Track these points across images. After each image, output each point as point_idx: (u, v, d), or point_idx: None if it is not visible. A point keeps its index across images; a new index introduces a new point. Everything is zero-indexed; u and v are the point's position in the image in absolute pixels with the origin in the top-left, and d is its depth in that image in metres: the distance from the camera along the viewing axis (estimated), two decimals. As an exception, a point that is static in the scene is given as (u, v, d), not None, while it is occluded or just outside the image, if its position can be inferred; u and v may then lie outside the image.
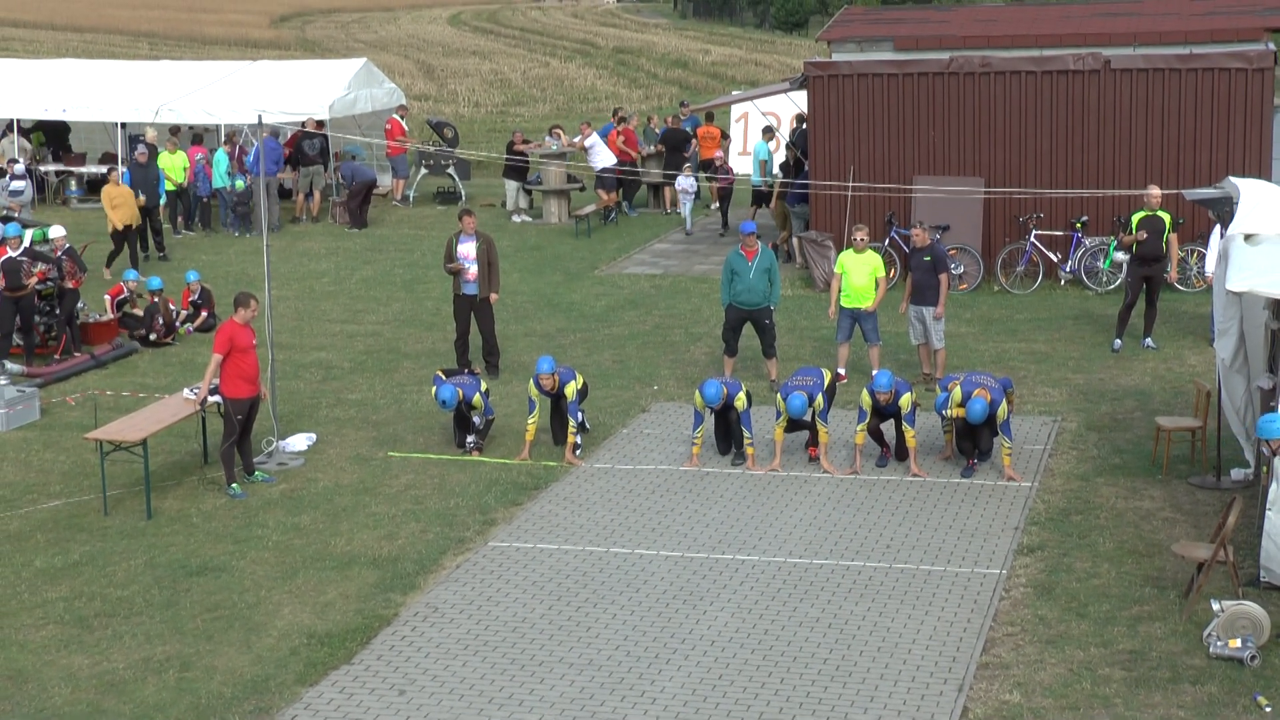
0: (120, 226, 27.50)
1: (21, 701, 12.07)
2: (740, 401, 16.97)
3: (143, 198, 28.55)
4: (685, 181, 31.27)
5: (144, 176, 29.72)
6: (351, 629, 13.19)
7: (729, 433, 17.41)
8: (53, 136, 37.34)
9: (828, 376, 17.32)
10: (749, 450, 17.13)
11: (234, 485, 16.59)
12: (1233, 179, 18.45)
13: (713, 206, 33.83)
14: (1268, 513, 13.26)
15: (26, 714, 11.85)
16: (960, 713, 11.47)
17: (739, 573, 14.17)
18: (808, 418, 16.86)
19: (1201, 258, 23.46)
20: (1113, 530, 15.04)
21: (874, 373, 17.63)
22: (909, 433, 16.76)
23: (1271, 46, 25.84)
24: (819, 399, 16.78)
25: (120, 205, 27.54)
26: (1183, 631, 12.71)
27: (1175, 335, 22.24)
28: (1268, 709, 11.37)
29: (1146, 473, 16.64)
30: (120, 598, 14.00)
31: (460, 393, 17.55)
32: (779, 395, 16.95)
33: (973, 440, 16.71)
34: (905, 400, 16.58)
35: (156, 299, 23.23)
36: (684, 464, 17.21)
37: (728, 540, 14.95)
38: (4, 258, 21.45)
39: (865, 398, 16.65)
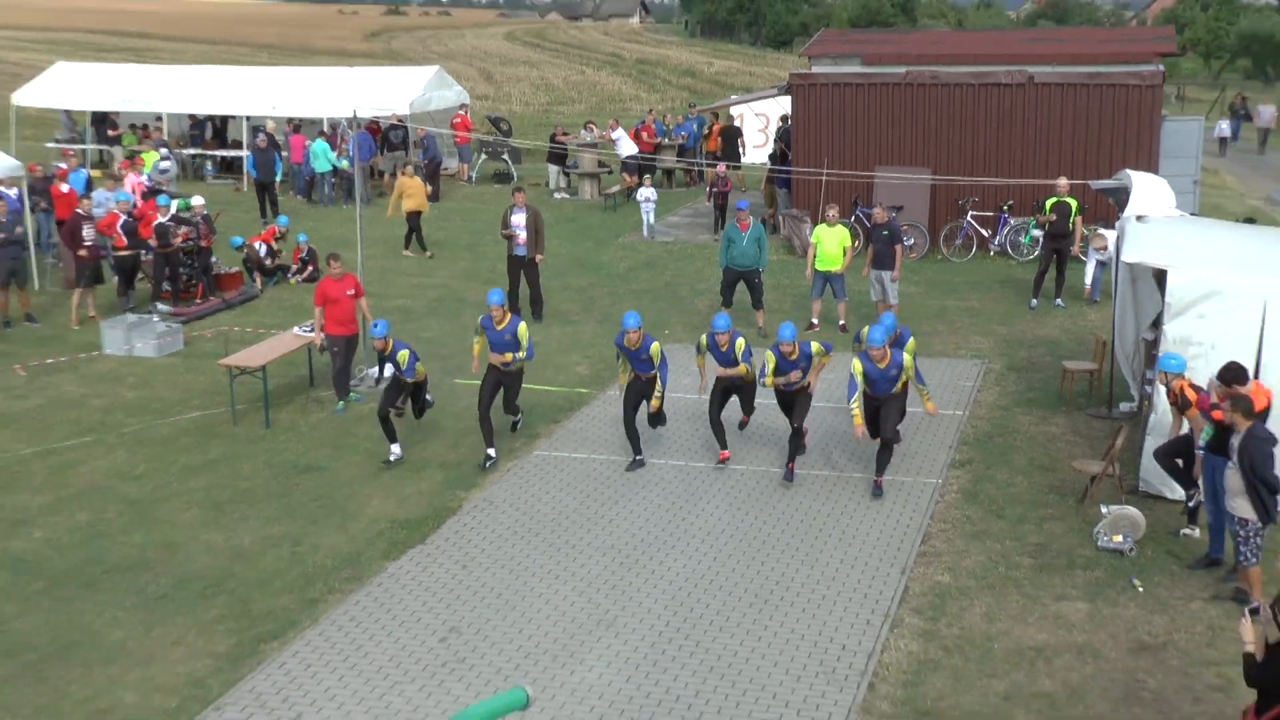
0: (408, 212, 26.36)
1: (173, 566, 12.35)
2: (655, 350, 14.40)
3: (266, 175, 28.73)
4: (647, 191, 29.24)
5: (264, 159, 29.90)
6: (425, 517, 13.40)
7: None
8: (218, 129, 37.28)
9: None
10: (655, 402, 14.59)
11: (341, 404, 16.81)
12: (1128, 171, 18.52)
13: (709, 205, 32.62)
14: (1147, 437, 13.46)
15: (177, 576, 12.13)
16: (903, 590, 11.67)
17: (731, 478, 14.34)
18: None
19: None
20: (1025, 450, 15.17)
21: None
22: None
23: (1161, 68, 25.82)
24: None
25: (412, 194, 26.51)
26: (1078, 529, 12.90)
27: (1079, 297, 22.29)
28: (1140, 589, 11.61)
29: (1053, 405, 16.75)
30: (246, 489, 14.25)
31: (390, 342, 14.79)
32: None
33: (877, 423, 13.89)
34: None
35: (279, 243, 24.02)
36: (693, 393, 17.18)
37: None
38: (156, 222, 21.66)
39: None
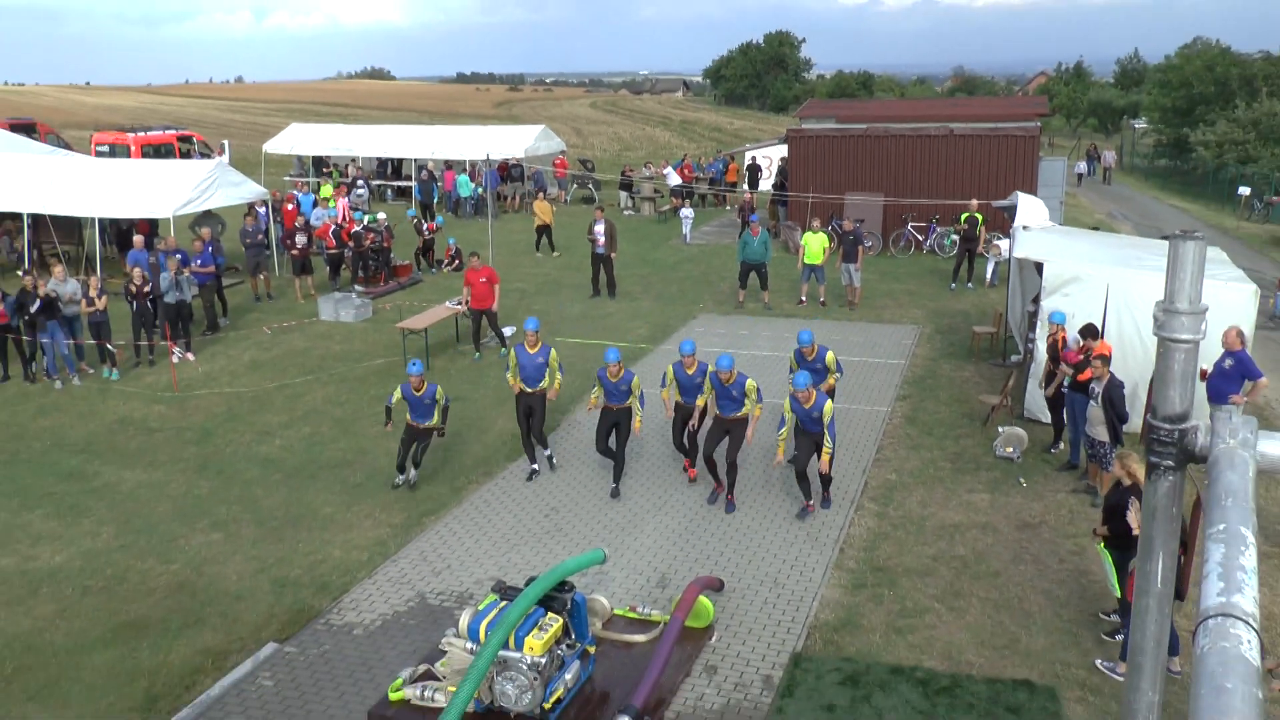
0: (540, 224, 25.93)
1: (365, 464, 12.33)
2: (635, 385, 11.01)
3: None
4: (686, 210, 28.01)
5: (426, 187, 29.76)
6: (536, 431, 13.26)
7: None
8: (395, 167, 37.18)
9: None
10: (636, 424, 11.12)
11: (478, 354, 16.69)
12: (1017, 194, 18.01)
13: (737, 220, 32.01)
14: (1029, 379, 13.13)
15: (367, 471, 12.11)
16: (864, 484, 11.43)
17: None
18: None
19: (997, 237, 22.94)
20: (947, 388, 14.83)
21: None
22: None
23: (1038, 124, 25.40)
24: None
25: (541, 213, 26.06)
26: (982, 443, 12.58)
27: (983, 282, 21.77)
28: (1024, 485, 11.33)
29: (966, 357, 16.36)
30: (414, 412, 14.17)
31: (424, 382, 11.24)
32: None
33: (806, 450, 10.48)
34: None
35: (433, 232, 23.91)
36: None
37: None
38: (353, 230, 21.61)
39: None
